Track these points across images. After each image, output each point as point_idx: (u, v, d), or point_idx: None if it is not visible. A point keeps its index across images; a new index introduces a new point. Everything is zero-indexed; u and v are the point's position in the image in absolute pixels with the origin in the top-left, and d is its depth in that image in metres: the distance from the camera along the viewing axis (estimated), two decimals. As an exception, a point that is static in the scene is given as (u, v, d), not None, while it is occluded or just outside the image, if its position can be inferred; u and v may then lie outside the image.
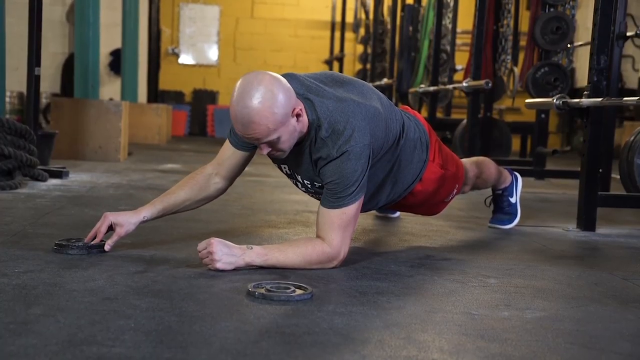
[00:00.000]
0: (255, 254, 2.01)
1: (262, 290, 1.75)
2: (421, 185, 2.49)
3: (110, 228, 2.20)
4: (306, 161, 2.14)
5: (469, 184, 2.84)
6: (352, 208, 2.07)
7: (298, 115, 2.00)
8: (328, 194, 2.07)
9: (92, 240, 2.18)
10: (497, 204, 3.09)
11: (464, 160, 2.85)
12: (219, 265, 1.96)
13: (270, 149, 2.04)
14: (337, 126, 2.05)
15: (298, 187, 2.32)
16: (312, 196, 2.34)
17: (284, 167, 2.27)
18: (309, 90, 2.10)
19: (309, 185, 2.23)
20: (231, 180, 2.32)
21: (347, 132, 2.04)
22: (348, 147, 2.03)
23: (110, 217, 2.19)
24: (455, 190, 2.68)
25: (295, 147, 2.10)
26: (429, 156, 2.47)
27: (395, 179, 2.40)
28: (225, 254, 1.97)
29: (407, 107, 2.70)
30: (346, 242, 2.10)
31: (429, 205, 2.65)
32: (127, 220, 2.20)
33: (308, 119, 2.06)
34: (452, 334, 1.55)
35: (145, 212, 2.23)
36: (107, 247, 2.17)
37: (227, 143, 2.28)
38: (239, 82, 1.96)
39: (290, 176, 2.29)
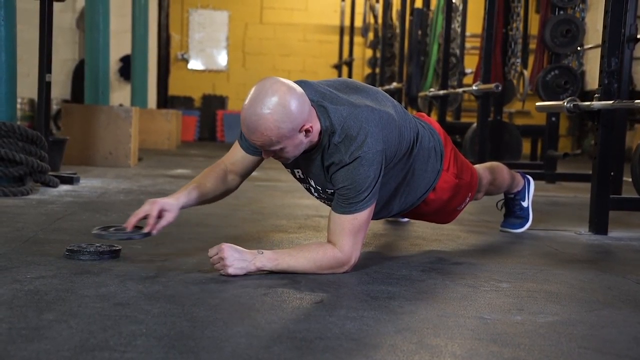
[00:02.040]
0: (266, 259, 2.01)
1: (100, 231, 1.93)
2: (434, 194, 2.47)
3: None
4: (317, 167, 2.13)
5: (482, 191, 2.83)
6: (364, 214, 2.06)
7: (307, 132, 1.99)
8: (340, 199, 2.07)
9: (135, 227, 2.16)
10: (508, 208, 3.08)
11: (478, 166, 2.83)
12: (230, 271, 1.96)
13: (272, 154, 2.05)
14: (350, 132, 2.04)
15: (311, 192, 2.31)
16: (323, 202, 2.33)
17: (297, 172, 2.27)
18: (323, 97, 2.09)
19: (321, 191, 2.23)
20: (244, 177, 2.33)
21: (360, 138, 2.03)
22: (361, 152, 2.02)
23: (160, 202, 2.15)
24: (468, 199, 2.66)
25: (306, 153, 2.10)
26: (443, 166, 2.45)
27: (408, 188, 2.39)
28: (236, 259, 1.97)
29: (422, 114, 2.68)
30: (357, 247, 2.09)
31: (442, 214, 2.63)
32: (174, 206, 2.17)
33: (321, 126, 2.05)
34: (465, 339, 1.54)
35: (183, 198, 2.20)
36: (155, 232, 2.14)
37: (237, 145, 2.28)
38: (255, 86, 1.95)
39: (303, 181, 2.28)
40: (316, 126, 2.03)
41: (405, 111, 2.34)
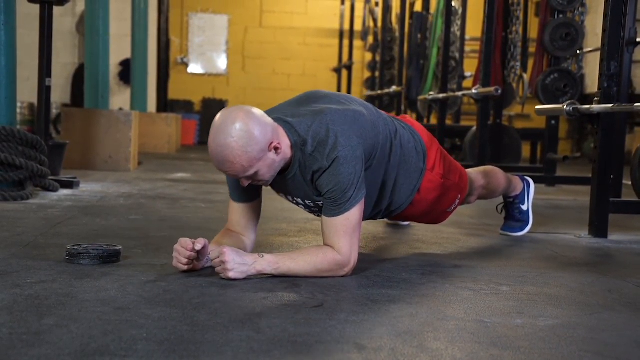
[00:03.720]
0: (266, 263, 2.01)
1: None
2: (419, 195, 2.47)
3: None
4: (300, 182, 2.14)
5: (474, 194, 2.83)
6: (355, 212, 2.07)
7: (276, 149, 2.00)
8: (328, 203, 2.07)
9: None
10: (508, 212, 3.08)
11: (471, 170, 2.83)
12: (231, 275, 1.97)
13: (250, 181, 2.05)
14: (320, 137, 2.05)
15: (302, 209, 2.31)
16: (316, 215, 2.33)
17: (289, 197, 2.27)
18: (285, 115, 2.11)
19: (312, 205, 2.23)
20: (255, 226, 2.29)
21: (331, 140, 2.04)
22: (337, 153, 2.03)
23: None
24: (457, 200, 2.66)
25: (284, 172, 2.11)
26: (426, 165, 2.45)
27: (393, 189, 2.39)
28: (237, 263, 1.97)
29: (405, 116, 2.69)
30: (355, 247, 2.10)
31: (431, 215, 2.64)
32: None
33: (290, 142, 2.06)
34: (465, 342, 1.54)
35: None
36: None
37: (231, 204, 2.27)
38: (215, 119, 1.98)
39: (296, 204, 2.29)
40: (285, 142, 2.05)
41: (378, 110, 2.35)
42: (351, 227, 2.07)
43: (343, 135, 2.05)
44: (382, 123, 2.28)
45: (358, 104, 2.23)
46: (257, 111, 2.00)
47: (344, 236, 2.06)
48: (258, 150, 1.95)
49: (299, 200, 2.23)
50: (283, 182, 2.16)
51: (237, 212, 2.25)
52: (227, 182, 2.26)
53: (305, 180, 2.12)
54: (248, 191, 2.22)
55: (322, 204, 2.14)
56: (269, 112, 2.11)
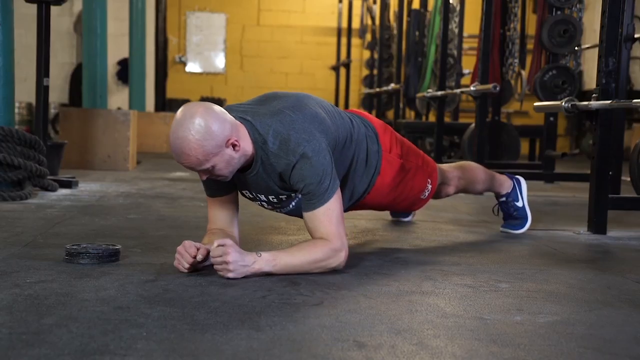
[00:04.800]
0: (264, 261, 2.02)
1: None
2: (381, 178, 2.50)
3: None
4: (262, 179, 2.16)
5: (451, 184, 2.87)
6: (334, 201, 2.10)
7: (234, 146, 2.03)
8: (306, 199, 2.10)
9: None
10: (504, 211, 3.08)
11: (444, 164, 2.93)
12: (231, 275, 1.98)
13: (208, 175, 2.08)
14: (282, 135, 2.08)
15: (264, 207, 2.33)
16: (278, 210, 2.34)
17: (245, 192, 2.28)
18: (245, 114, 2.14)
19: (275, 201, 2.25)
20: (237, 223, 2.33)
21: (293, 137, 2.07)
22: (302, 148, 2.06)
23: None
24: (429, 186, 2.70)
25: (246, 170, 2.14)
26: (381, 147, 2.49)
27: (353, 175, 2.41)
28: (239, 264, 1.98)
29: (356, 110, 2.73)
30: (343, 234, 2.12)
31: (405, 202, 2.67)
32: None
33: (251, 139, 2.09)
34: (465, 339, 1.54)
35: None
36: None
37: (210, 202, 2.30)
38: (177, 113, 2.02)
39: (253, 199, 2.30)
40: (246, 140, 2.08)
41: (334, 106, 2.39)
42: (335, 215, 2.10)
43: (305, 132, 2.09)
44: (339, 117, 2.33)
45: (315, 103, 2.26)
46: (218, 108, 2.04)
47: (330, 225, 2.09)
48: (214, 145, 1.99)
49: (261, 196, 2.25)
50: (244, 178, 2.18)
51: (218, 207, 2.28)
52: (202, 180, 2.27)
53: (270, 177, 2.14)
54: (223, 185, 2.25)
55: (286, 197, 2.19)
56: (228, 109, 2.15)
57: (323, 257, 2.09)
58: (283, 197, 2.21)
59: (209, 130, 1.97)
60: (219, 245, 1.99)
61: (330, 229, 2.09)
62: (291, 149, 2.06)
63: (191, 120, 1.97)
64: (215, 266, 2.00)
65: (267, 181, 2.16)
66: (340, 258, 2.11)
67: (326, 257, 2.09)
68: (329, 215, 2.09)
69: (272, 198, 2.24)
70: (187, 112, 1.99)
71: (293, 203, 2.24)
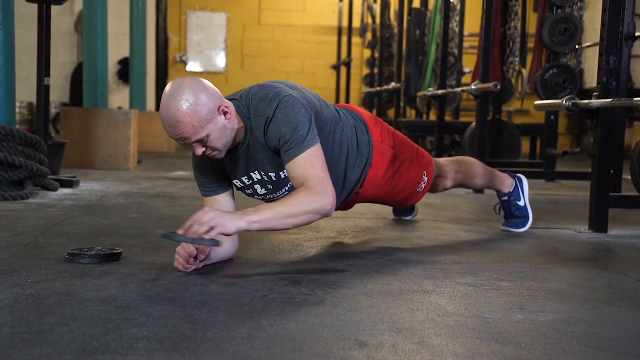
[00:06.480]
0: (252, 211, 1.95)
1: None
2: (373, 170, 2.48)
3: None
4: (254, 151, 2.17)
5: (448, 177, 2.87)
6: (315, 149, 2.08)
7: (225, 113, 2.06)
8: (285, 149, 2.08)
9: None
10: (506, 210, 3.08)
11: (441, 158, 2.94)
12: (221, 229, 1.88)
13: (204, 149, 2.07)
14: (260, 94, 2.13)
15: (260, 197, 2.31)
16: (269, 195, 2.28)
17: (240, 181, 2.26)
18: (233, 96, 2.20)
19: (267, 180, 2.23)
20: None
21: (271, 93, 2.12)
22: (279, 100, 2.09)
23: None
24: (425, 178, 2.69)
25: (242, 148, 2.16)
26: (372, 137, 2.48)
27: (345, 165, 2.39)
28: (221, 216, 1.91)
29: (342, 104, 2.71)
30: (328, 180, 2.07)
31: (401, 195, 2.65)
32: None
33: (238, 112, 2.12)
34: (466, 338, 1.54)
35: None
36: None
37: (205, 201, 2.29)
38: (165, 89, 2.04)
39: (249, 187, 2.27)
40: (233, 112, 2.10)
41: (319, 97, 2.35)
42: (317, 161, 2.07)
43: (283, 90, 2.13)
44: (324, 104, 2.34)
45: (300, 89, 2.26)
46: (203, 80, 2.07)
47: (312, 169, 2.05)
48: (207, 111, 2.00)
49: (255, 176, 2.23)
50: (237, 158, 2.18)
51: (213, 206, 2.26)
52: (196, 180, 2.30)
53: (258, 149, 2.15)
54: (217, 182, 2.25)
55: (275, 177, 2.19)
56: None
57: (309, 200, 2.01)
58: (272, 175, 2.20)
59: (200, 97, 2.00)
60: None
61: (312, 172, 2.05)
62: (267, 103, 2.10)
63: (182, 91, 1.99)
64: (202, 230, 1.89)
65: (257, 154, 2.17)
66: (327, 202, 2.04)
67: (312, 200, 2.01)
68: (310, 161, 2.06)
69: (265, 177, 2.22)
70: (176, 85, 2.02)
71: (286, 188, 2.24)
